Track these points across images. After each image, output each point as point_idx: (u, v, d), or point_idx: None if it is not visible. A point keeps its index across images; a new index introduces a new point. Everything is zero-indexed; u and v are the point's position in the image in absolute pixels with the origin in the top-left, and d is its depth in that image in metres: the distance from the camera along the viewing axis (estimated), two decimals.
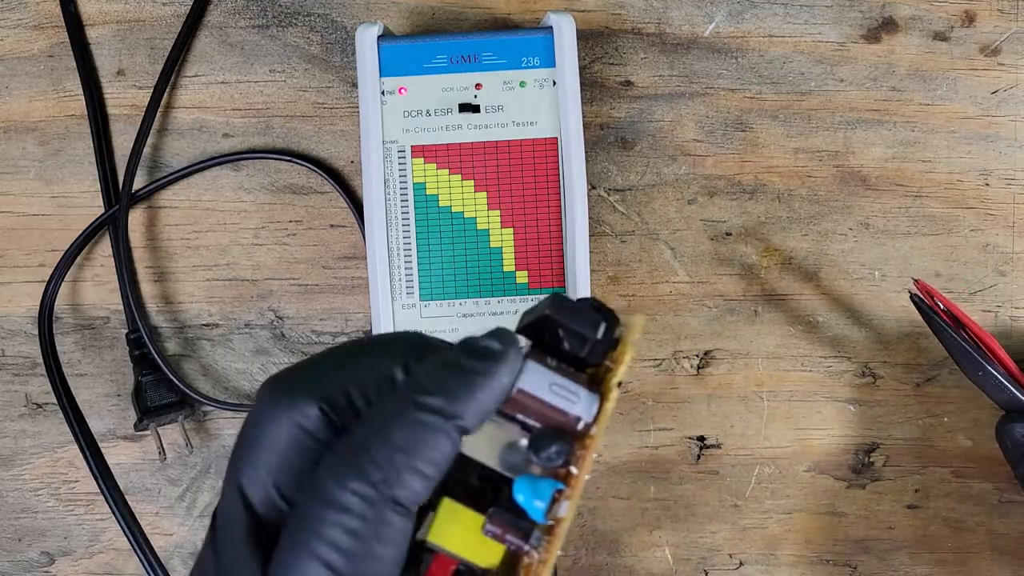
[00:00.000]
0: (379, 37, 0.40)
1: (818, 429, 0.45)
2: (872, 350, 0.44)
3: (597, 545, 0.45)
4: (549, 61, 0.40)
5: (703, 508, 0.45)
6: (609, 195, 0.44)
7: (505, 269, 0.41)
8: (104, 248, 0.44)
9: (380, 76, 0.40)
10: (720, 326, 0.45)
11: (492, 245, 0.41)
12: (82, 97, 0.44)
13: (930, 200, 0.44)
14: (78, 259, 0.44)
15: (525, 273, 0.41)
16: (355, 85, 0.44)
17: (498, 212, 0.41)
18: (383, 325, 0.40)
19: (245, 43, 0.44)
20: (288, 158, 0.44)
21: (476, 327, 0.40)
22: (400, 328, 0.41)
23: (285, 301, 0.45)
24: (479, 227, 0.41)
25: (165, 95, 0.44)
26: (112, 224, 0.44)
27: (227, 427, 0.45)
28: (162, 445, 0.43)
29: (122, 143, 0.44)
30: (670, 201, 0.45)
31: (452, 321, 0.41)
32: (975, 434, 0.45)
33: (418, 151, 0.40)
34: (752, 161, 0.45)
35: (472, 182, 0.41)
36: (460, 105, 0.40)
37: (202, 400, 0.43)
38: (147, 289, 0.44)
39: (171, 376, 0.43)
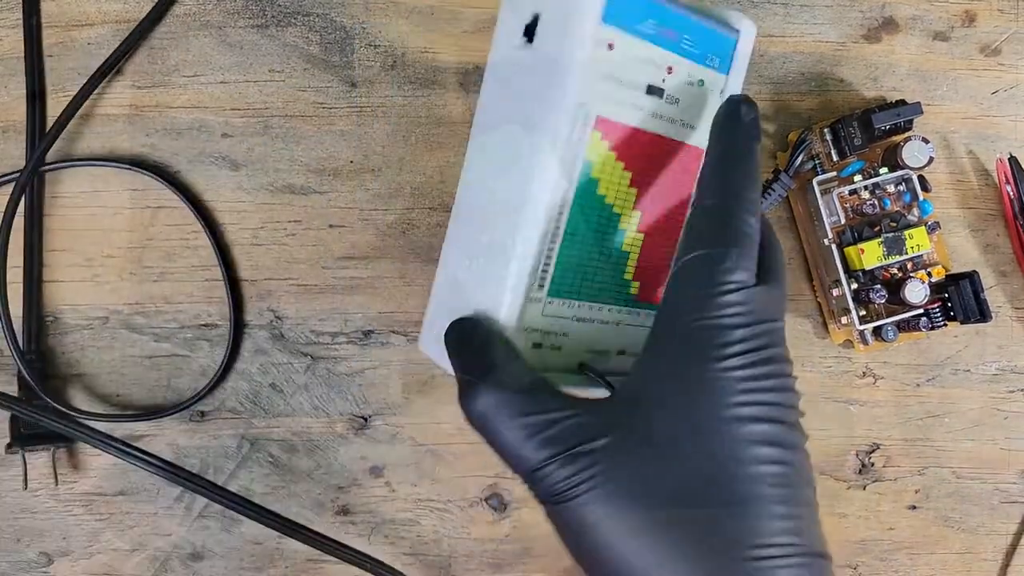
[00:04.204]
0: None
1: (818, 429, 0.45)
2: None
3: None
4: (726, 67, 0.34)
5: None
6: None
7: (624, 276, 0.35)
8: (104, 247, 0.44)
9: (602, 22, 0.31)
10: None
11: (624, 248, 0.35)
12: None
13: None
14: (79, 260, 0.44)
15: (638, 284, 0.35)
16: (354, 85, 0.44)
17: (639, 214, 0.34)
18: (509, 318, 0.32)
19: (244, 43, 0.44)
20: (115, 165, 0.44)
21: (586, 333, 0.35)
22: (521, 323, 0.33)
23: (284, 301, 0.45)
24: (620, 225, 0.34)
25: (165, 94, 0.44)
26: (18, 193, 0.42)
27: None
28: (26, 475, 0.43)
29: (121, 142, 0.44)
30: None
31: (566, 324, 0.34)
32: (975, 434, 0.45)
33: (600, 124, 0.32)
34: None
35: (630, 174, 0.34)
36: (648, 86, 0.33)
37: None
38: (147, 289, 0.44)
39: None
